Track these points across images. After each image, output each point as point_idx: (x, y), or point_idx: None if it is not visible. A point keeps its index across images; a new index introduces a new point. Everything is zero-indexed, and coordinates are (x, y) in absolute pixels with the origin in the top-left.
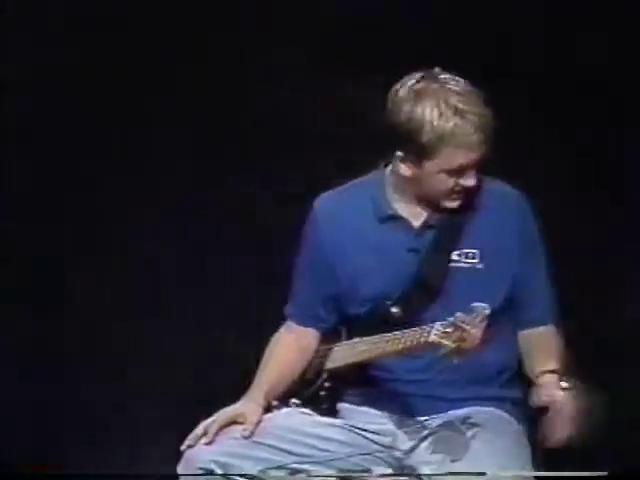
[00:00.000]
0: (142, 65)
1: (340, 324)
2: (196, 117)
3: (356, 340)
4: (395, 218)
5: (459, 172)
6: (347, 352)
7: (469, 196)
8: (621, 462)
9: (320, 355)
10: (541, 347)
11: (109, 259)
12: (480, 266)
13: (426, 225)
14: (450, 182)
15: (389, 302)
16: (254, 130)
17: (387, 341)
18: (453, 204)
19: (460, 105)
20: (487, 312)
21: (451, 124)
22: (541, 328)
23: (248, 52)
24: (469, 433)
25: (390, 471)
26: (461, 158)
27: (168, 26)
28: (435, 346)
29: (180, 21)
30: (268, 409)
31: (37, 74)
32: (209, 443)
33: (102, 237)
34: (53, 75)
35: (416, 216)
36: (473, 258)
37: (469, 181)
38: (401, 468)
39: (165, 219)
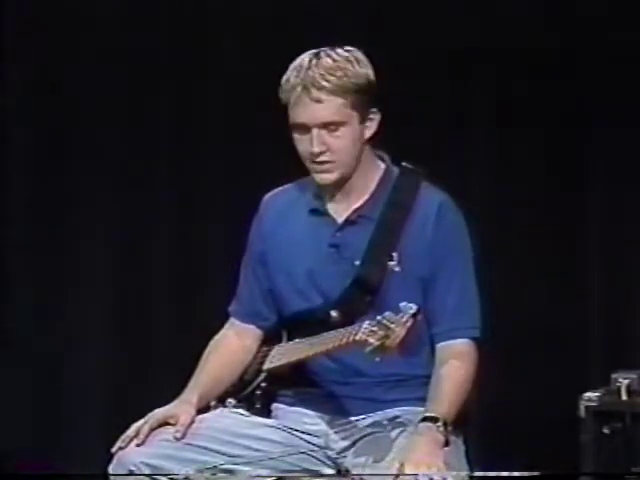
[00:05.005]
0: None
1: (281, 326)
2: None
3: (295, 341)
4: (320, 212)
5: (303, 132)
6: (285, 352)
7: (335, 170)
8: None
9: (260, 356)
10: (441, 373)
11: None
12: (397, 269)
13: (348, 222)
14: (302, 145)
15: (328, 305)
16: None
17: (321, 341)
18: (318, 177)
19: (306, 63)
20: (412, 311)
21: (284, 79)
22: (453, 342)
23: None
24: (395, 432)
25: (329, 471)
26: (296, 115)
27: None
28: (362, 344)
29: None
30: (206, 409)
31: None
32: (140, 444)
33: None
34: None
35: (341, 212)
36: (391, 260)
37: (312, 146)
38: (337, 468)
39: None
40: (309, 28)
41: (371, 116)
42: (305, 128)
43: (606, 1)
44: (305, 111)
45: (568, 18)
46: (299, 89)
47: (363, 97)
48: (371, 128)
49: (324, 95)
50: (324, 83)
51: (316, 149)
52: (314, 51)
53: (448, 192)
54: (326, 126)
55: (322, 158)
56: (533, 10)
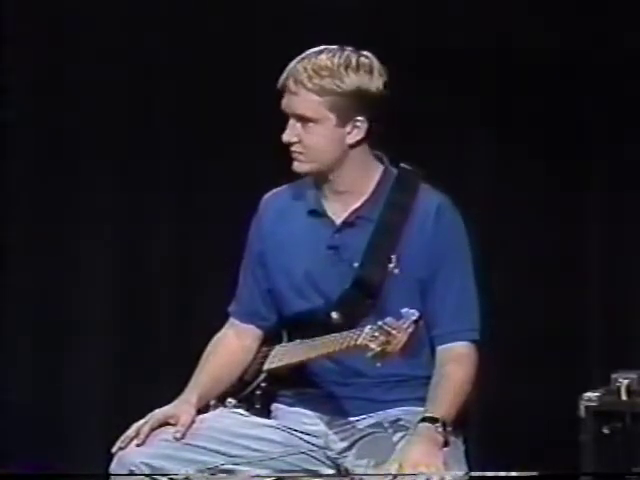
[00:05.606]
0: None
1: (282, 326)
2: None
3: (296, 342)
4: (318, 213)
5: (287, 119)
6: (285, 353)
7: (307, 163)
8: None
9: (260, 356)
10: (441, 375)
11: None
12: (396, 271)
13: (346, 223)
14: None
15: (328, 306)
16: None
17: (323, 343)
18: (293, 164)
19: (304, 56)
20: (414, 318)
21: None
22: (453, 345)
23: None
24: (397, 435)
25: (328, 471)
26: (282, 101)
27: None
28: (363, 349)
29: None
30: (205, 409)
31: None
32: (140, 445)
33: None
34: None
35: (340, 213)
36: (390, 263)
37: (285, 134)
38: (337, 468)
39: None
40: (309, 28)
41: (357, 124)
42: (286, 116)
43: (606, 2)
44: (285, 98)
45: (568, 18)
46: (284, 77)
47: (347, 102)
48: (356, 135)
49: (301, 90)
50: (303, 79)
51: (286, 137)
52: (323, 47)
53: (447, 193)
54: (301, 119)
55: (293, 148)
56: (533, 10)
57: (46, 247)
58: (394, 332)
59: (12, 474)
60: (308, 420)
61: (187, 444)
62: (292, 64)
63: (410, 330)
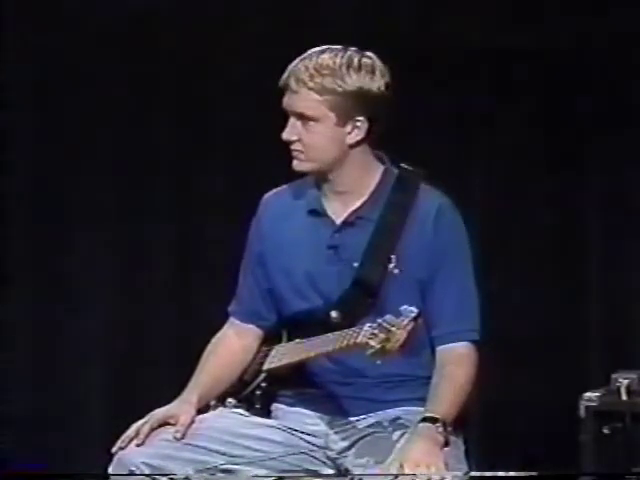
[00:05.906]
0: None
1: (282, 326)
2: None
3: (296, 341)
4: (318, 213)
5: (289, 118)
6: (285, 352)
7: (307, 161)
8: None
9: (260, 356)
10: (441, 375)
11: None
12: (396, 271)
13: (346, 223)
14: None
15: (328, 306)
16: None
17: (322, 342)
18: (293, 162)
19: (306, 55)
20: (413, 315)
21: None
22: (453, 345)
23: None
24: (396, 434)
25: (328, 471)
26: (283, 99)
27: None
28: (363, 347)
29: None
30: (205, 409)
31: None
32: (140, 445)
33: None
34: None
35: (340, 213)
36: (390, 263)
37: (285, 132)
38: (337, 468)
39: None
40: (309, 28)
41: (358, 124)
42: (287, 115)
43: (606, 2)
44: (286, 97)
45: (568, 18)
46: (286, 76)
47: (348, 102)
48: (356, 135)
49: (302, 88)
50: (304, 77)
51: (285, 135)
52: (326, 47)
53: (447, 193)
54: (301, 117)
55: (293, 147)
56: (533, 10)
57: (46, 247)
58: (393, 329)
59: (12, 474)
60: (309, 420)
61: (187, 444)
62: (294, 63)
63: (409, 327)
